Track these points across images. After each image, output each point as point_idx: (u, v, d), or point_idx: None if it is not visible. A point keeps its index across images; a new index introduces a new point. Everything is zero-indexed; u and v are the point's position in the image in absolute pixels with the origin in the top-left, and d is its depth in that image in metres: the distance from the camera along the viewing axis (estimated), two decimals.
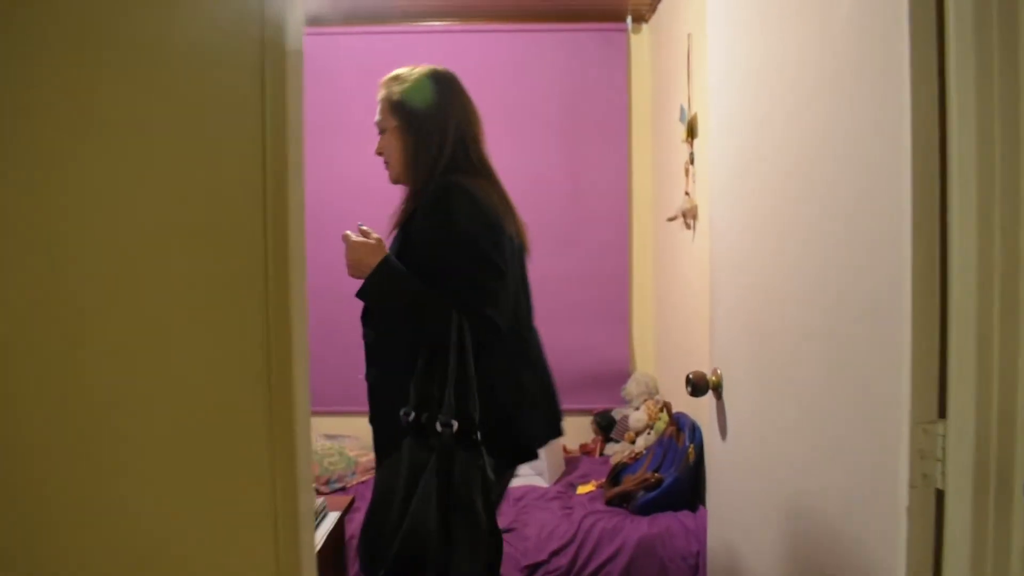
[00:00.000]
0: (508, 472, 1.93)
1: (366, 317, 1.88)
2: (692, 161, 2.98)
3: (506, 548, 2.63)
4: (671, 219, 3.11)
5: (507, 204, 1.91)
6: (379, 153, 1.87)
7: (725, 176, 1.84)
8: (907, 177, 1.13)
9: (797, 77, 1.45)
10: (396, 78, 1.84)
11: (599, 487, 3.14)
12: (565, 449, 3.71)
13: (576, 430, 3.82)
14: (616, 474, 3.11)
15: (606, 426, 3.69)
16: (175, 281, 0.91)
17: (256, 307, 0.95)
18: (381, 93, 1.84)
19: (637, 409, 3.60)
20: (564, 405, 3.72)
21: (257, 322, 0.95)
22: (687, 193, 3.01)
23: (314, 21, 3.74)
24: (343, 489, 3.19)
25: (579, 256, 3.80)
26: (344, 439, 3.51)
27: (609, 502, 2.95)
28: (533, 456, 1.89)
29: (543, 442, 1.93)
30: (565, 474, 3.40)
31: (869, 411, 1.25)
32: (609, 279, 3.82)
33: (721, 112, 1.84)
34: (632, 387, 3.68)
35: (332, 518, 2.09)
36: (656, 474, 2.86)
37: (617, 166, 3.79)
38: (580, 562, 2.59)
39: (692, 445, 2.83)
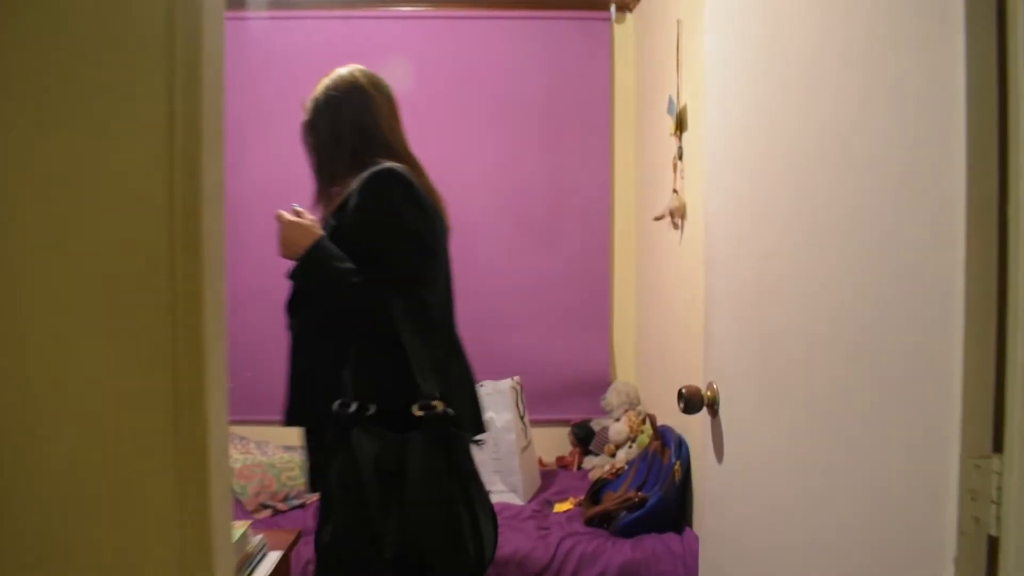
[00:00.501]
0: None
1: (292, 306, 1.82)
2: (681, 156, 2.79)
3: None
4: (658, 218, 2.92)
5: (434, 190, 1.92)
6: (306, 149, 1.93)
7: (722, 168, 1.64)
8: (960, 159, 0.93)
9: (820, 46, 1.25)
10: (320, 82, 1.89)
11: (578, 505, 2.94)
12: (541, 462, 3.50)
13: (553, 441, 3.61)
14: (596, 491, 2.91)
15: (584, 438, 3.49)
16: (72, 278, 0.87)
17: (161, 304, 0.89)
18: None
19: (617, 420, 3.40)
20: (541, 414, 3.55)
21: (161, 322, 0.89)
22: (675, 191, 2.82)
23: (286, 4, 3.52)
24: (302, 507, 2.96)
25: (559, 257, 3.60)
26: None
27: (588, 522, 2.75)
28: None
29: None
30: (541, 490, 3.19)
31: (907, 441, 1.05)
32: (590, 282, 3.62)
33: (718, 97, 1.64)
34: (612, 397, 3.48)
35: (272, 558, 1.85)
36: (639, 493, 2.66)
37: (600, 162, 3.60)
38: None
39: (678, 462, 2.63)
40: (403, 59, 3.56)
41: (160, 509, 0.88)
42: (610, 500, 2.76)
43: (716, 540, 1.78)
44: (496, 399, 3.02)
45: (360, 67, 1.91)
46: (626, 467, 2.99)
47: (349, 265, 1.69)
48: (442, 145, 3.56)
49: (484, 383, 3.12)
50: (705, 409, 1.75)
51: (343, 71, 1.89)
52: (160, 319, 0.88)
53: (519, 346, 3.58)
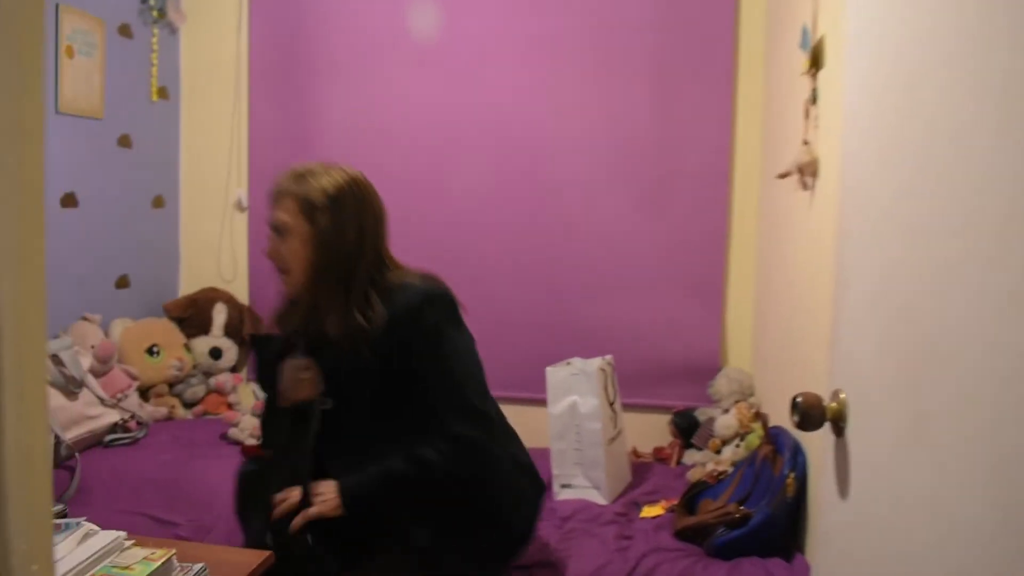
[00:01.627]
0: None
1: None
2: (814, 99, 2.26)
3: None
4: (782, 176, 2.41)
5: None
6: (271, 256, 1.76)
7: (867, 114, 1.19)
8: None
9: None
10: (305, 175, 1.72)
11: (670, 511, 2.50)
12: (635, 452, 3.08)
13: (650, 430, 3.17)
14: (692, 497, 2.47)
15: (687, 428, 3.04)
16: None
17: None
18: (286, 187, 1.71)
19: (726, 412, 2.93)
20: (638, 398, 3.12)
21: None
22: (806, 142, 2.30)
23: None
24: None
25: (667, 221, 3.13)
26: None
27: (679, 534, 2.31)
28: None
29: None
30: (629, 487, 2.76)
31: None
32: (702, 250, 3.13)
33: (864, 25, 1.17)
34: (722, 385, 3.00)
35: None
36: (742, 508, 2.20)
37: (719, 111, 3.08)
38: None
39: (792, 474, 2.15)
40: (493, 3, 3.16)
41: None
42: (707, 511, 2.31)
43: (835, 570, 1.34)
44: (581, 381, 2.61)
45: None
46: (730, 470, 2.52)
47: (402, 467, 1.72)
48: (537, 98, 3.16)
49: (571, 361, 2.71)
50: (828, 426, 1.30)
51: (351, 171, 1.77)
52: None
53: (615, 321, 3.14)
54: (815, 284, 2.21)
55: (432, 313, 1.72)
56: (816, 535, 1.49)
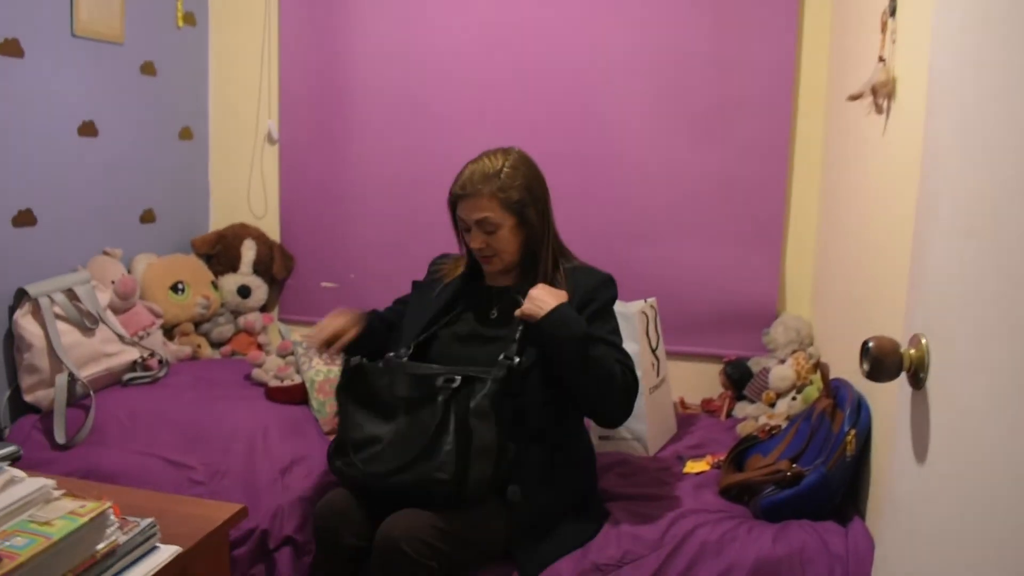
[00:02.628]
0: None
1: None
2: (893, 11, 1.98)
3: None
4: (853, 98, 2.14)
5: None
6: (480, 248, 1.93)
7: (967, 23, 0.94)
8: None
9: None
10: (496, 174, 1.89)
11: (715, 467, 2.31)
12: (682, 403, 2.88)
13: (700, 380, 2.96)
14: (741, 452, 2.26)
15: (739, 379, 2.82)
16: None
17: None
18: (481, 189, 1.88)
19: (782, 362, 2.70)
20: (686, 346, 2.90)
21: None
22: (882, 59, 2.03)
23: None
24: None
25: (721, 152, 2.86)
26: None
27: (724, 492, 2.12)
28: None
29: None
30: (674, 440, 2.57)
31: None
32: (761, 186, 2.86)
33: None
34: (778, 333, 2.77)
35: (163, 555, 1.28)
36: (795, 465, 1.99)
37: (781, 26, 2.77)
38: None
39: (853, 431, 1.93)
40: None
41: None
42: (756, 468, 2.11)
43: (903, 552, 1.15)
44: (620, 325, 2.39)
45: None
46: (784, 425, 2.30)
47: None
48: (580, 15, 2.90)
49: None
50: (904, 377, 1.12)
51: (520, 154, 1.97)
52: None
53: (662, 261, 2.91)
54: (889, 219, 1.96)
55: (607, 293, 1.96)
56: (882, 501, 1.28)
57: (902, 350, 1.11)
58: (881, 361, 1.11)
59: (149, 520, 1.28)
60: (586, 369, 1.82)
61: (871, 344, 1.12)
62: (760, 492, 2.01)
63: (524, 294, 1.90)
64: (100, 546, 1.19)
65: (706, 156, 2.86)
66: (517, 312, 1.86)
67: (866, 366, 1.13)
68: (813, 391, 2.36)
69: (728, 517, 1.97)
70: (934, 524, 1.05)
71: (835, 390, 2.11)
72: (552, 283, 1.93)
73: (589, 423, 2.16)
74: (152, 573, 1.24)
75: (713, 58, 2.82)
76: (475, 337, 1.97)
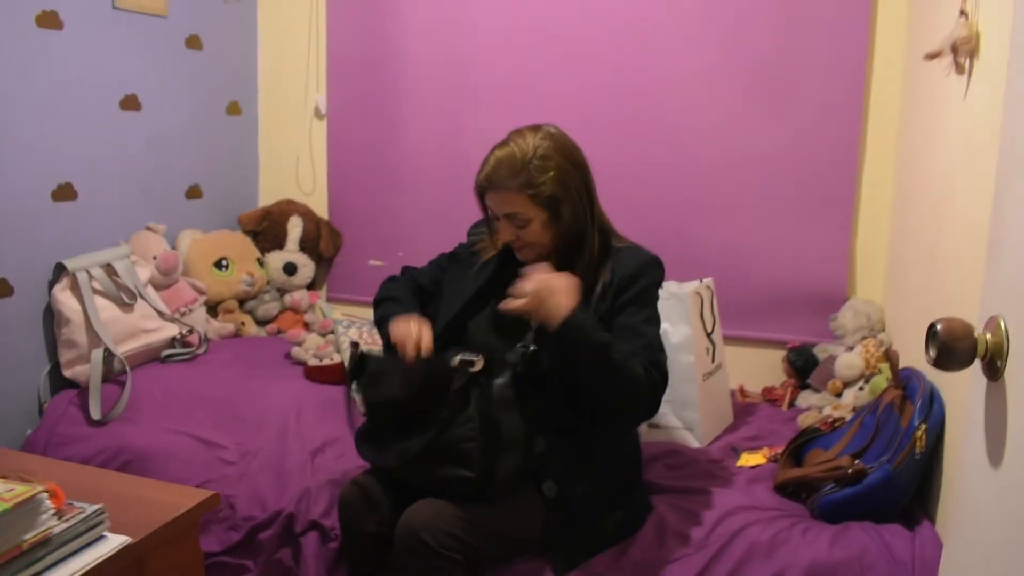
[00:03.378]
0: None
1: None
2: None
3: None
4: (931, 56, 1.93)
5: None
6: (508, 239, 1.77)
7: None
8: None
9: None
10: (524, 166, 1.69)
11: (772, 460, 2.14)
12: (741, 392, 2.70)
13: (762, 367, 2.78)
14: (800, 445, 2.09)
15: (803, 367, 2.63)
16: None
17: None
18: (507, 183, 1.69)
19: (850, 350, 2.51)
20: (746, 330, 2.70)
21: None
22: (963, 13, 1.82)
23: None
24: None
25: (788, 120, 2.66)
26: None
27: (780, 488, 1.96)
28: None
29: None
30: (729, 430, 2.41)
31: None
32: (829, 156, 2.64)
33: None
34: (847, 318, 2.57)
35: (110, 544, 1.16)
36: (857, 462, 1.81)
37: None
38: None
39: (923, 426, 1.74)
40: None
41: None
42: (815, 463, 1.93)
43: (970, 562, 1.00)
44: (672, 307, 2.25)
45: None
46: (848, 418, 2.12)
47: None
48: None
49: (664, 284, 2.34)
50: (978, 366, 0.97)
51: (553, 134, 1.75)
52: None
53: (720, 239, 2.73)
54: (972, 193, 1.76)
55: (650, 276, 1.76)
56: (953, 505, 1.12)
57: (976, 334, 0.95)
58: (951, 347, 0.95)
59: (96, 507, 1.17)
60: (605, 376, 1.60)
61: (939, 327, 0.96)
62: (818, 490, 1.84)
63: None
64: (29, 535, 1.07)
65: (770, 123, 2.67)
66: (505, 306, 1.63)
67: (933, 352, 0.97)
68: (881, 381, 2.17)
69: (782, 516, 1.81)
70: (1007, 534, 0.90)
71: (905, 380, 1.92)
72: (596, 272, 1.75)
73: None
74: (91, 566, 1.11)
75: (779, 13, 2.61)
76: (510, 324, 1.78)
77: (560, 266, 1.75)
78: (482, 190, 1.76)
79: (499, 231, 1.78)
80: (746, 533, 1.73)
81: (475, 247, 1.95)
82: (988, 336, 0.94)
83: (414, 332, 1.71)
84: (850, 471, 1.79)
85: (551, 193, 1.69)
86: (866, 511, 1.77)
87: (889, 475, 1.74)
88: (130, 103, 2.68)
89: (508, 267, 1.86)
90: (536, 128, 1.75)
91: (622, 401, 1.64)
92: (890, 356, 1.94)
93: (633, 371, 1.61)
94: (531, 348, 1.69)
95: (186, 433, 2.20)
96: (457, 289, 1.90)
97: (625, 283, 1.73)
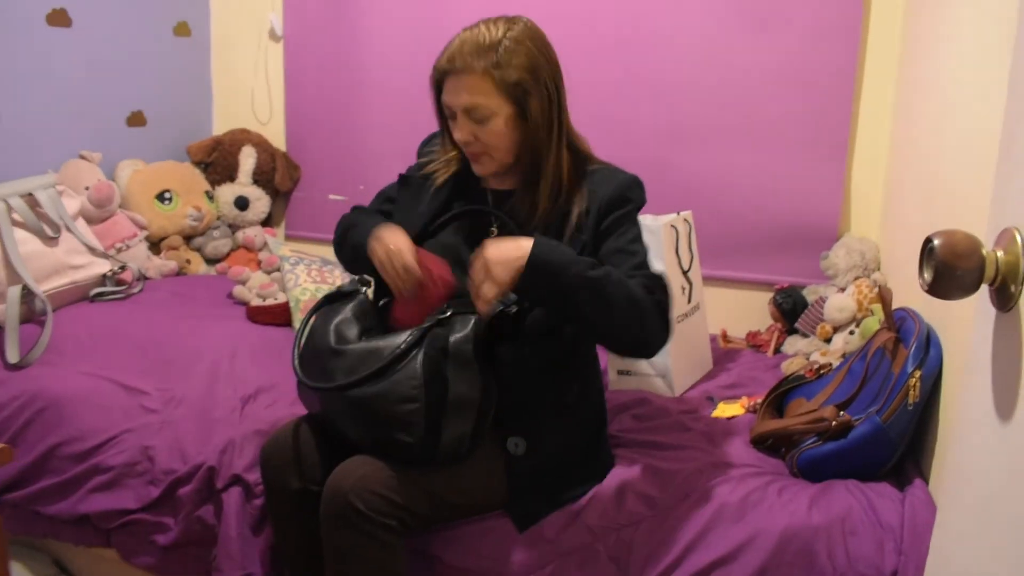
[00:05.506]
0: None
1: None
2: None
3: None
4: None
5: None
6: (467, 142, 1.53)
7: None
8: None
9: None
10: (492, 47, 1.46)
11: (751, 411, 1.95)
12: (724, 336, 2.50)
13: (747, 310, 2.58)
14: (782, 395, 1.89)
15: (791, 310, 2.42)
16: None
17: None
18: (471, 64, 1.46)
19: (842, 291, 2.30)
20: (729, 270, 2.53)
21: None
22: None
23: None
24: None
25: (778, 42, 2.41)
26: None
27: (758, 442, 1.77)
28: None
29: None
30: (707, 377, 2.21)
31: None
32: (825, 79, 2.40)
33: None
34: (839, 257, 2.35)
35: None
36: (842, 413, 1.61)
37: None
38: (663, 558, 1.46)
39: (918, 372, 1.54)
40: None
41: None
42: (796, 414, 1.74)
43: (970, 527, 0.81)
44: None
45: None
46: (835, 364, 1.92)
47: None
48: None
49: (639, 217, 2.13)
50: (985, 292, 0.78)
51: (526, 24, 1.52)
52: None
53: (702, 169, 2.50)
54: (980, 119, 1.52)
55: (630, 199, 1.56)
56: (951, 463, 0.93)
57: (984, 252, 0.74)
58: (951, 267, 0.74)
59: None
60: (602, 307, 1.38)
61: (936, 242, 0.75)
62: (799, 444, 1.65)
63: (528, 203, 1.54)
64: None
65: (759, 42, 2.42)
66: (482, 312, 1.44)
67: (928, 275, 0.77)
68: (872, 323, 1.96)
69: (757, 473, 1.62)
70: (1015, 497, 0.70)
71: (899, 322, 1.71)
72: (569, 197, 1.54)
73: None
74: None
75: None
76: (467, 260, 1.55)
77: (524, 188, 1.55)
78: (441, 76, 1.51)
79: (455, 130, 1.54)
80: (715, 493, 1.54)
81: (427, 168, 1.71)
82: (999, 254, 0.73)
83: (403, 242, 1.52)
84: (834, 423, 1.59)
85: (519, 79, 1.47)
86: (851, 468, 1.58)
87: (878, 428, 1.54)
88: (58, 18, 2.43)
89: (468, 185, 1.64)
90: (511, 18, 1.53)
91: (630, 329, 1.42)
92: (883, 294, 1.72)
93: (631, 293, 1.40)
94: (512, 309, 1.47)
95: (108, 378, 2.00)
96: (407, 219, 1.67)
97: (605, 209, 1.53)
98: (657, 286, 1.46)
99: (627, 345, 1.49)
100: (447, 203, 1.64)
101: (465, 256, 1.56)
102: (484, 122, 1.49)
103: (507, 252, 1.37)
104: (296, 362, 1.52)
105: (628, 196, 1.55)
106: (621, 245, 1.52)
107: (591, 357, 1.68)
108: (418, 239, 1.59)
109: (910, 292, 1.83)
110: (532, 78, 1.48)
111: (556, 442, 1.57)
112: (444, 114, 1.58)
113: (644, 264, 1.51)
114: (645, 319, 1.41)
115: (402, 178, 1.74)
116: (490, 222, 1.61)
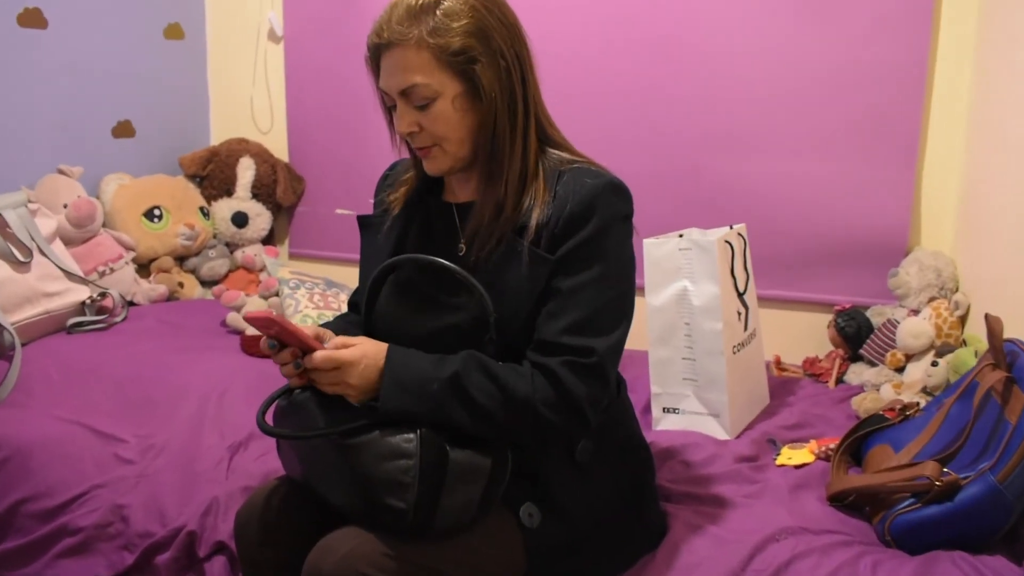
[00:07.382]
0: None
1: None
2: None
3: None
4: None
5: None
6: (410, 133, 1.25)
7: None
8: None
9: None
10: (429, 9, 1.21)
11: (822, 457, 1.67)
12: (777, 363, 2.24)
13: (802, 334, 2.34)
14: (861, 439, 1.62)
15: (854, 334, 2.17)
16: None
17: None
18: (402, 33, 1.21)
19: (915, 313, 2.05)
20: (783, 289, 2.34)
21: None
22: None
23: None
24: None
25: (840, 39, 2.19)
26: None
27: (837, 499, 1.49)
28: None
29: None
30: (764, 415, 1.94)
31: None
32: (891, 78, 2.17)
33: None
34: (911, 274, 2.10)
35: None
36: (946, 470, 1.34)
37: None
38: None
39: None
40: None
41: None
42: (884, 468, 1.46)
43: None
44: (694, 259, 1.77)
45: None
46: (922, 404, 1.64)
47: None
48: None
49: (683, 232, 1.87)
50: None
51: None
52: None
53: (754, 179, 2.30)
54: None
55: (608, 209, 1.25)
56: None
57: None
58: None
59: None
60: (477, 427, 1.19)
61: None
62: (892, 506, 1.37)
63: (491, 206, 1.26)
64: None
65: (818, 38, 2.21)
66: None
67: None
68: (969, 356, 1.69)
69: (843, 541, 1.35)
70: None
71: (1010, 357, 1.43)
72: (533, 195, 1.26)
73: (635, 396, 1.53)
74: None
75: None
76: (433, 296, 1.31)
77: (486, 188, 1.28)
78: (375, 53, 1.27)
79: (396, 121, 1.28)
80: (794, 568, 1.27)
81: (385, 205, 1.43)
82: None
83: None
84: (938, 483, 1.31)
85: (463, 46, 1.21)
86: (958, 536, 1.31)
87: (993, 488, 1.27)
88: (31, 18, 2.22)
89: (426, 211, 1.38)
90: None
91: (522, 434, 1.22)
92: (991, 324, 1.44)
93: (512, 393, 1.18)
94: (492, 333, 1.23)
95: (80, 423, 1.77)
96: (368, 267, 1.40)
97: (564, 226, 1.24)
98: (581, 366, 1.20)
99: (532, 443, 1.26)
100: (404, 233, 1.37)
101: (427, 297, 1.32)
102: (427, 106, 1.23)
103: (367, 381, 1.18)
104: (260, 416, 1.27)
105: (595, 208, 1.24)
106: (569, 286, 1.23)
107: (617, 406, 1.41)
108: (375, 288, 1.35)
109: (1014, 320, 1.55)
110: (481, 44, 1.22)
111: (579, 510, 1.30)
112: (386, 105, 1.31)
113: (588, 321, 1.22)
114: (527, 431, 1.20)
115: (363, 225, 1.45)
116: (458, 244, 1.33)
